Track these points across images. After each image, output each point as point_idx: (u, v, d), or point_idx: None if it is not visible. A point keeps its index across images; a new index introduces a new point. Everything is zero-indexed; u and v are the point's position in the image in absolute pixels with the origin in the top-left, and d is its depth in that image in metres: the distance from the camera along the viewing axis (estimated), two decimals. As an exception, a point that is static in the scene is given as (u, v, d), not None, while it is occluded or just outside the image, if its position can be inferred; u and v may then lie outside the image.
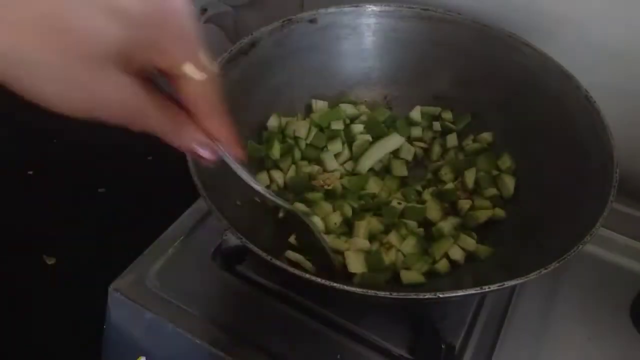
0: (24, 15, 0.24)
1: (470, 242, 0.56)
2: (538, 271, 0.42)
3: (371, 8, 0.64)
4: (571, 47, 0.63)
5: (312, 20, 0.63)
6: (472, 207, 0.60)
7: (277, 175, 0.62)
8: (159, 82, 0.32)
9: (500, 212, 0.59)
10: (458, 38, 0.64)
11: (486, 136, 0.65)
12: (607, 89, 0.55)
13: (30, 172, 1.00)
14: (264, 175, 0.62)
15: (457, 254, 0.55)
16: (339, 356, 0.52)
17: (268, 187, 0.60)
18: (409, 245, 0.55)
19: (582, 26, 0.63)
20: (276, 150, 0.62)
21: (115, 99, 0.28)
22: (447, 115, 0.67)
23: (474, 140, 0.65)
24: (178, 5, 0.29)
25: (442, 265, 0.55)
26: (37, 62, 0.25)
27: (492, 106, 0.65)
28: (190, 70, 0.30)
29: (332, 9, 0.64)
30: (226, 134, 0.34)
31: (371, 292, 0.42)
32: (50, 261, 0.86)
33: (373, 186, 0.61)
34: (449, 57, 0.65)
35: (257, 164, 0.62)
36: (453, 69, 0.66)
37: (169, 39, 0.29)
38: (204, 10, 0.88)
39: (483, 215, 0.58)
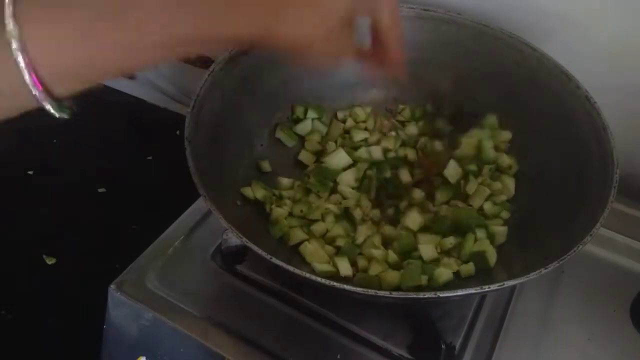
0: None
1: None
2: (538, 271, 0.42)
3: (371, 8, 0.64)
4: (571, 47, 0.63)
5: (312, 20, 0.63)
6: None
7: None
8: None
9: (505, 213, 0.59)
10: (458, 38, 0.64)
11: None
12: (607, 89, 0.55)
13: (30, 172, 1.00)
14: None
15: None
16: (339, 356, 0.52)
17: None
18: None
19: (582, 26, 0.63)
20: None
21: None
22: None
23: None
24: None
25: (467, 270, 0.53)
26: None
27: (492, 106, 0.65)
28: None
29: (332, 9, 0.63)
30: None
31: (371, 292, 0.42)
32: (50, 261, 0.86)
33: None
34: (449, 57, 0.65)
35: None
36: (453, 69, 0.66)
37: None
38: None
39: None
